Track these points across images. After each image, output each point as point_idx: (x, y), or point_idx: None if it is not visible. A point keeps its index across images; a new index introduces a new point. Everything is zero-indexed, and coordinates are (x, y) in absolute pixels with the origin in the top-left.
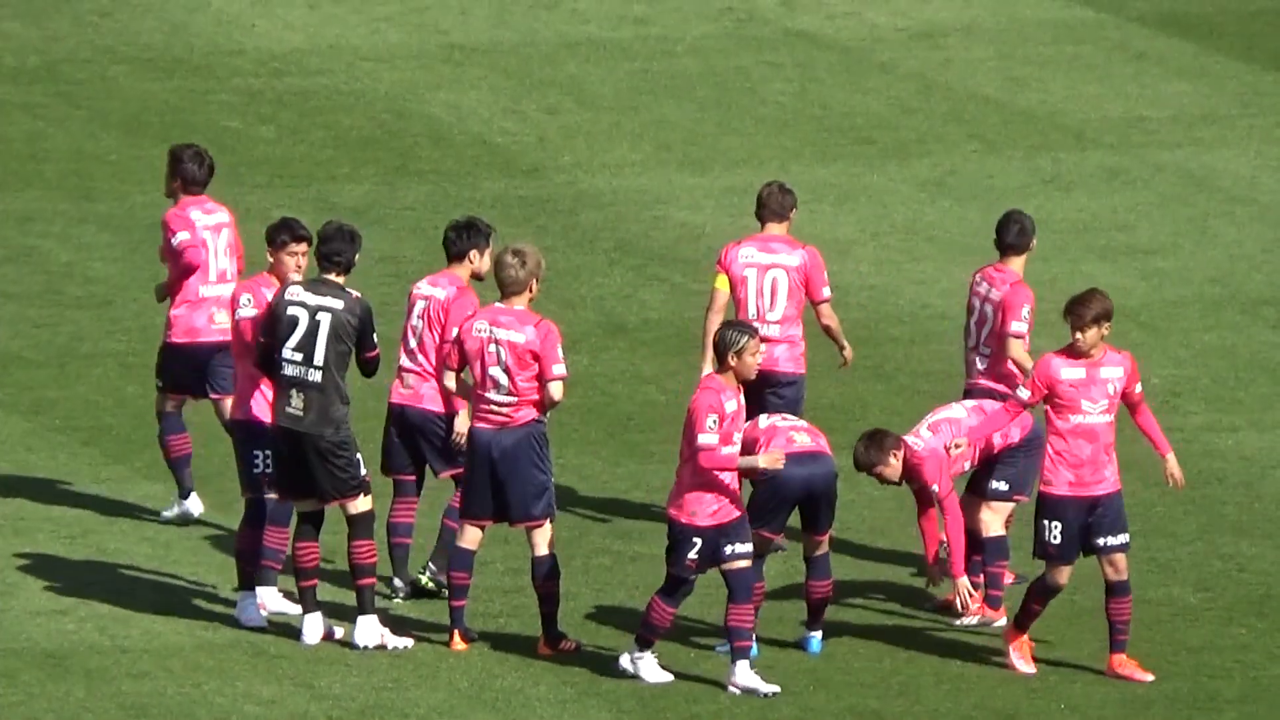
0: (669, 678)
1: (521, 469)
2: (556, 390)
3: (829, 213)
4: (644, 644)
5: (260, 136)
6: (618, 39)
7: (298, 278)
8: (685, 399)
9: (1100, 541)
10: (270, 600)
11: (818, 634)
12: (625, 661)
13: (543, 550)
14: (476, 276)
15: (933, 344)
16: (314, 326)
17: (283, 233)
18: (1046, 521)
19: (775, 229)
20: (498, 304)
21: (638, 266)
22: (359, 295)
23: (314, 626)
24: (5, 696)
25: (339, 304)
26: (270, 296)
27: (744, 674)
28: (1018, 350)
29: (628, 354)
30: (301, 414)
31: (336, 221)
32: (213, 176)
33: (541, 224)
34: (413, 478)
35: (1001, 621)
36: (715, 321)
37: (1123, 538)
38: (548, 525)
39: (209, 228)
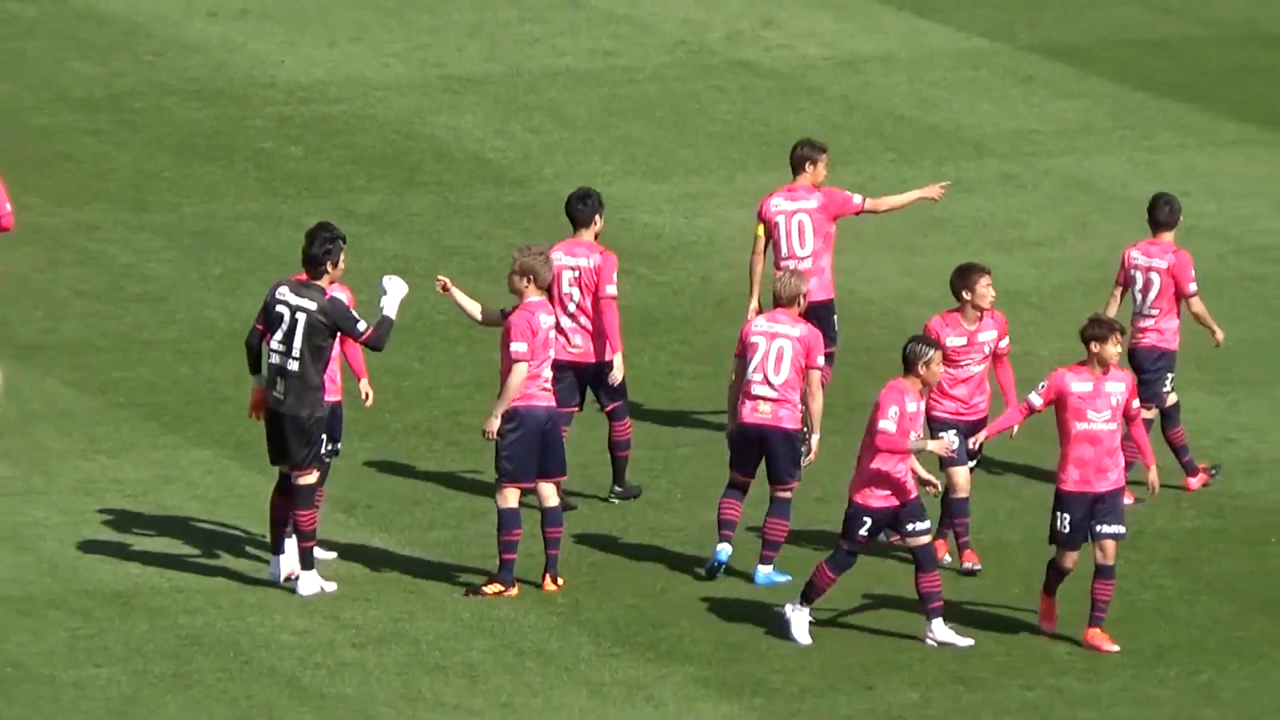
0: (809, 642)
1: (557, 437)
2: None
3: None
4: (806, 600)
5: (290, 155)
6: (590, 69)
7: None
8: (648, 372)
9: (1097, 528)
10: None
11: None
12: (788, 609)
13: (554, 501)
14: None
15: (860, 325)
16: (293, 324)
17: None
18: (1057, 513)
19: (802, 179)
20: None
21: (659, 274)
22: (331, 295)
23: (309, 583)
24: (81, 630)
25: (312, 305)
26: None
27: (940, 630)
28: (1199, 304)
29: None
30: (283, 398)
31: (316, 230)
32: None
33: (527, 226)
34: (588, 408)
35: None
36: (756, 262)
37: (1118, 528)
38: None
39: None
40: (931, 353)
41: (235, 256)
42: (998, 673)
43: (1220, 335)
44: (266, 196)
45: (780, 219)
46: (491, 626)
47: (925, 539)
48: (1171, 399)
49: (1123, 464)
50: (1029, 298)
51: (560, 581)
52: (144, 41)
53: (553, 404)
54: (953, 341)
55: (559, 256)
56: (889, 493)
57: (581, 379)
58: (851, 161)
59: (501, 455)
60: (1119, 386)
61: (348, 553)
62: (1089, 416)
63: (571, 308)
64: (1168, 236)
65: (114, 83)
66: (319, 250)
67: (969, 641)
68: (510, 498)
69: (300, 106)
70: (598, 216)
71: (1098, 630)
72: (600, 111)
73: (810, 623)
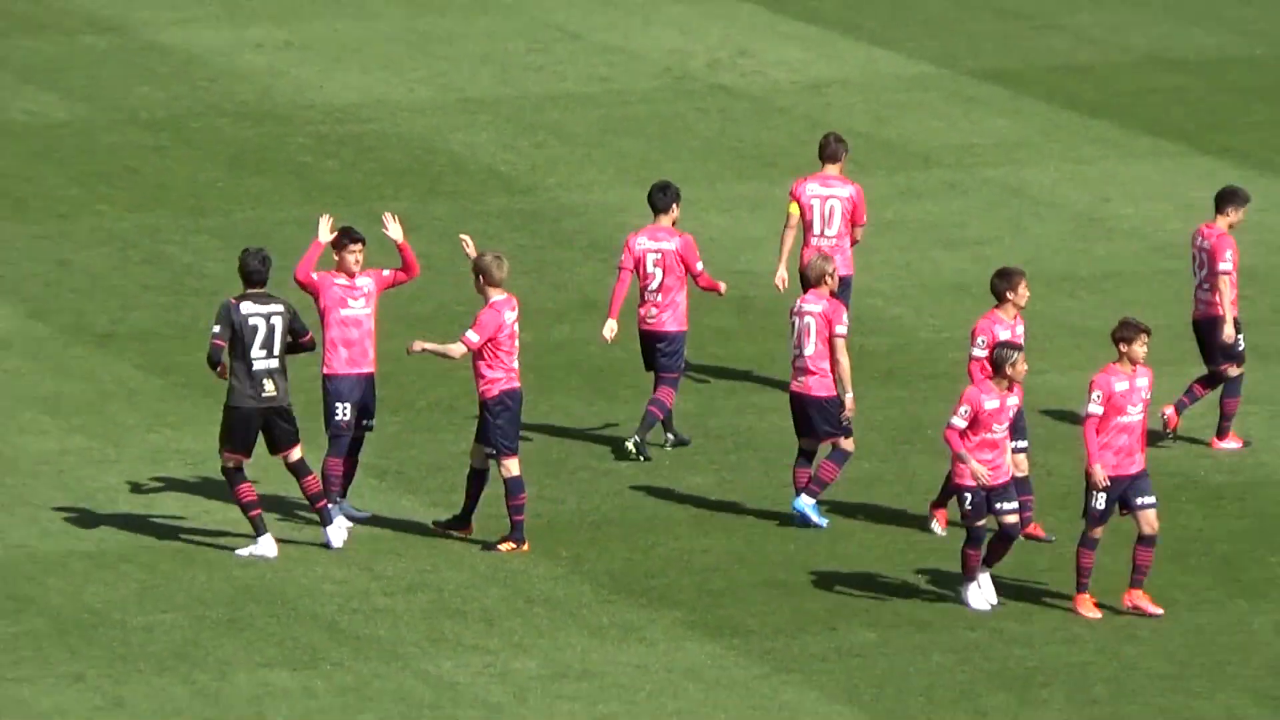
0: (986, 607)
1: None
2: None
3: (745, 217)
4: (969, 576)
5: (326, 168)
6: (588, 92)
7: (352, 273)
8: (636, 364)
9: (1138, 501)
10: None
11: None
12: (964, 592)
13: (516, 472)
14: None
15: None
16: (271, 328)
17: (344, 237)
18: (1096, 493)
19: (832, 169)
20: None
21: (604, 259)
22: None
23: (337, 533)
24: (149, 581)
25: (280, 307)
26: (336, 287)
27: (982, 587)
28: (1224, 283)
29: (598, 324)
30: (275, 394)
31: (252, 250)
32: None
33: (534, 229)
34: (657, 373)
35: None
36: (788, 236)
37: (1153, 499)
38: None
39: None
40: (1016, 355)
41: (279, 256)
42: (946, 616)
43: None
44: (306, 204)
45: (815, 202)
46: (505, 577)
47: (1011, 518)
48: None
49: (1145, 447)
50: (971, 289)
51: (526, 546)
52: (200, 70)
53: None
54: (1002, 334)
55: (643, 241)
56: (991, 467)
57: (649, 345)
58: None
59: (497, 433)
60: (1145, 381)
61: (380, 512)
62: (1127, 410)
63: (654, 285)
64: (1222, 221)
65: (174, 105)
66: (265, 266)
67: (986, 606)
68: (513, 467)
69: (336, 126)
70: (675, 205)
71: (1139, 591)
72: (596, 130)
73: (980, 587)
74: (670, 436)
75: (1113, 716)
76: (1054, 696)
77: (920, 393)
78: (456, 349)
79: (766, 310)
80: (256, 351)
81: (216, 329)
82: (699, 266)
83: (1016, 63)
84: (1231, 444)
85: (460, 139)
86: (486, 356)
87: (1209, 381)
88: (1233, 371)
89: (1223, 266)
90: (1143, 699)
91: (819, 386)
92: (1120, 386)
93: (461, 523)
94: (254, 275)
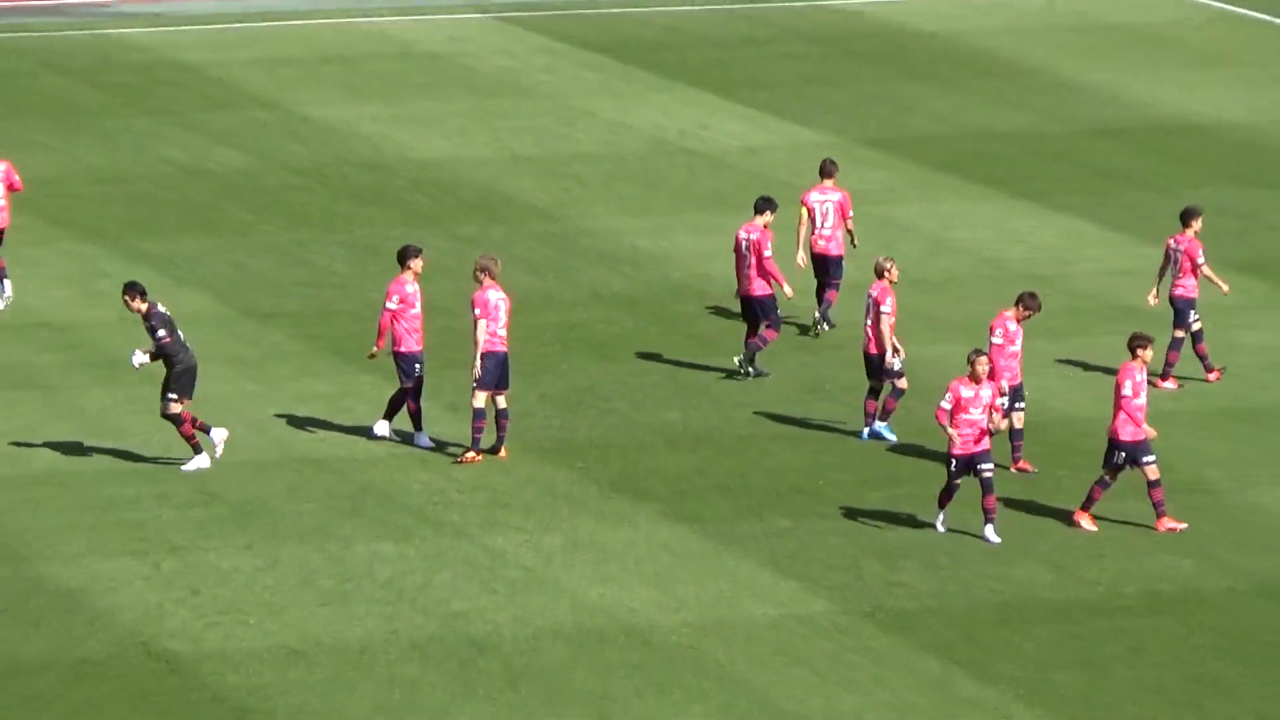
0: (943, 530)
1: (507, 368)
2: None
3: (704, 239)
4: (940, 508)
5: (419, 202)
6: (598, 152)
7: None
8: (632, 330)
9: (1143, 459)
10: (383, 429)
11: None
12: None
13: (504, 405)
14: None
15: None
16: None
17: (408, 253)
18: (1117, 450)
19: (828, 182)
20: None
21: (610, 266)
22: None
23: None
24: (294, 480)
25: (168, 313)
26: (406, 288)
27: (990, 533)
28: (1205, 270)
29: (605, 310)
30: (195, 360)
31: (132, 283)
32: None
33: (559, 245)
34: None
35: None
36: (801, 231)
37: (1152, 458)
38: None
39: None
40: (976, 356)
41: (387, 262)
42: (841, 509)
43: (1226, 288)
44: (403, 225)
45: (817, 205)
46: (538, 481)
47: (987, 475)
48: (1195, 326)
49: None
50: (860, 287)
51: (505, 451)
52: (332, 134)
53: (505, 349)
54: (1011, 327)
55: (741, 232)
56: (963, 442)
57: (749, 305)
58: (747, 211)
59: (475, 376)
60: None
61: (456, 436)
62: (1140, 394)
63: (747, 265)
64: (1190, 231)
65: (314, 158)
66: (137, 294)
67: (943, 530)
68: (480, 399)
69: (424, 173)
70: (769, 211)
71: (1167, 518)
72: (603, 178)
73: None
74: (753, 367)
75: (950, 578)
76: (911, 565)
77: (823, 358)
78: (480, 330)
79: (722, 298)
80: (182, 334)
81: None
82: (767, 252)
83: (890, 134)
84: (1170, 386)
85: (510, 183)
86: (481, 326)
87: (1192, 339)
88: (1180, 333)
89: (1200, 260)
90: (971, 567)
91: (874, 346)
92: (1140, 378)
93: (480, 448)
94: (133, 291)
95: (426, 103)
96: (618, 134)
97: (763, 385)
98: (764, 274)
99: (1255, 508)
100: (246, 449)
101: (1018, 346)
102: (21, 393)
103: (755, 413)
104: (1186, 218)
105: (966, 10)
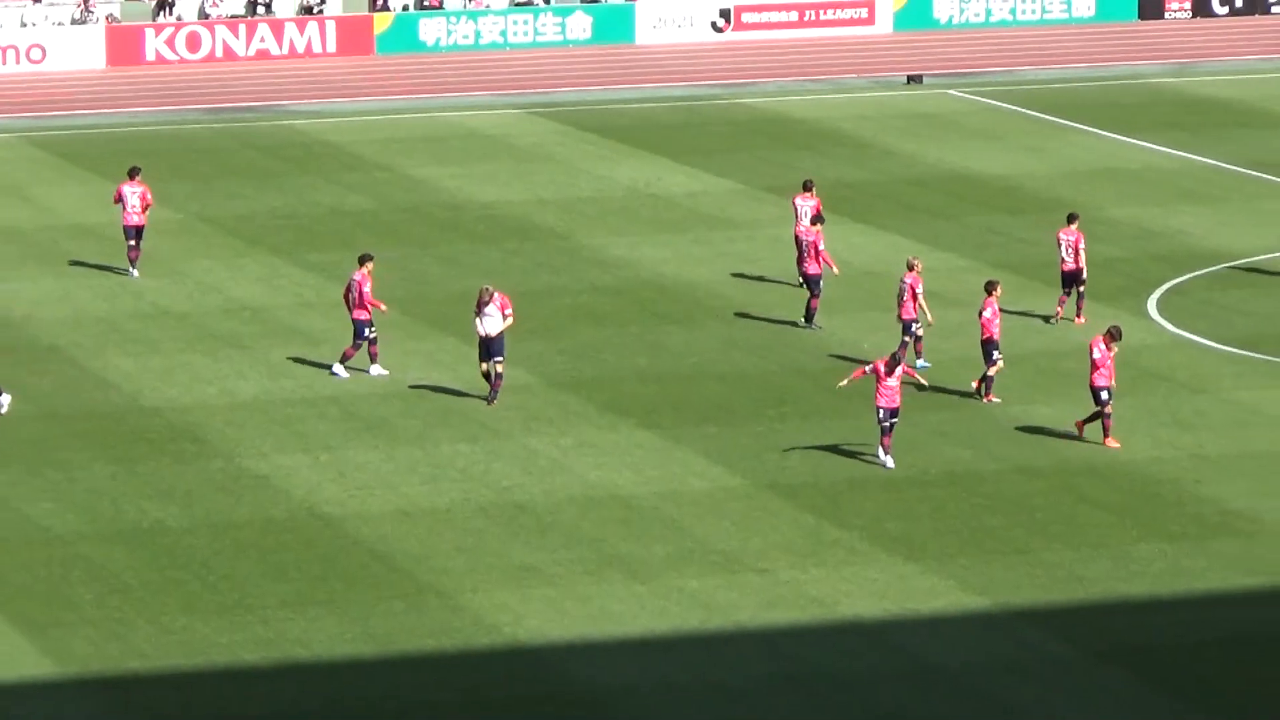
0: (891, 465)
1: (500, 346)
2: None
3: (663, 251)
4: (884, 450)
5: (480, 230)
6: (592, 197)
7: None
8: (619, 316)
9: (1104, 398)
10: (378, 370)
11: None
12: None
13: (501, 370)
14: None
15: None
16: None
17: (366, 258)
18: (1099, 392)
19: (805, 194)
20: None
21: (607, 270)
22: None
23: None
24: (400, 407)
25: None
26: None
27: (884, 455)
28: (1083, 255)
29: (603, 301)
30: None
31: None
32: None
33: (570, 257)
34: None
35: None
36: (797, 226)
37: (1106, 394)
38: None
39: None
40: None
41: (460, 269)
42: (770, 418)
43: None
44: (469, 244)
45: (799, 205)
46: (558, 403)
47: (888, 427)
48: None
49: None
50: (791, 284)
51: (493, 403)
52: (425, 185)
53: (485, 334)
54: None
55: (798, 200)
56: (884, 399)
57: (808, 281)
58: (695, 237)
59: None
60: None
61: (478, 383)
62: (1108, 363)
63: (802, 249)
64: (1074, 226)
65: (414, 202)
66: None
67: (891, 465)
68: (484, 366)
69: (484, 210)
70: (819, 224)
71: (1111, 439)
72: (597, 213)
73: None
74: (809, 322)
75: (820, 465)
76: (795, 455)
77: (762, 336)
78: (506, 323)
79: (675, 288)
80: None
81: None
82: (820, 246)
83: (779, 183)
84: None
85: (538, 217)
86: (474, 323)
87: (1074, 300)
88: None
89: (1082, 245)
90: (834, 458)
91: (906, 314)
92: (1104, 353)
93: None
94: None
95: (484, 165)
96: (606, 184)
97: (704, 340)
98: (816, 255)
99: (1022, 417)
100: (377, 384)
101: (990, 314)
102: (231, 350)
103: (696, 360)
104: (1071, 220)
105: (825, 105)
